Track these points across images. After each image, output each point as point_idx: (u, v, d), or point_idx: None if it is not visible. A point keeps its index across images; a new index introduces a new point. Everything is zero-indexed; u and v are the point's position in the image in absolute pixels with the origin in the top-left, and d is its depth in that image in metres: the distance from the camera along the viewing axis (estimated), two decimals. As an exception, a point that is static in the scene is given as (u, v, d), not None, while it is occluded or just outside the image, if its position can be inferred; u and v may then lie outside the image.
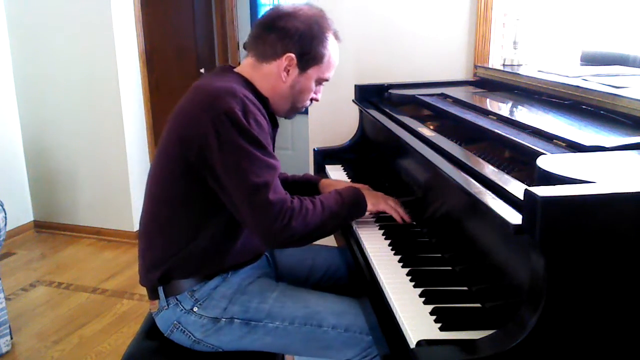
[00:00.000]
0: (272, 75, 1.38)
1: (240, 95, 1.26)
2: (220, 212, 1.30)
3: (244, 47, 1.43)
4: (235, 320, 1.33)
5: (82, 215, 3.64)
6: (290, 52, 1.35)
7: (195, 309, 1.34)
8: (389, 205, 1.47)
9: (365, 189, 1.50)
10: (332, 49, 1.40)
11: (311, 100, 1.46)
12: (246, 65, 1.41)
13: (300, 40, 1.34)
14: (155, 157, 1.38)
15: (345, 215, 1.39)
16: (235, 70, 1.42)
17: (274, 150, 1.49)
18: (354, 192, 1.43)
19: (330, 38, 1.39)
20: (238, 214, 1.27)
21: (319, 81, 1.44)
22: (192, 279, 1.35)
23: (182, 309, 1.34)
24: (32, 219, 3.77)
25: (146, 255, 1.39)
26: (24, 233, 3.69)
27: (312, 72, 1.39)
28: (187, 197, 1.32)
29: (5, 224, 2.22)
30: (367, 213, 1.46)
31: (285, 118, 1.50)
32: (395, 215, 1.47)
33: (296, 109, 1.46)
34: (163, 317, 1.37)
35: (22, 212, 3.67)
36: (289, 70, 1.37)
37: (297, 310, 1.33)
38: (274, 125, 1.45)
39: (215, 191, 1.27)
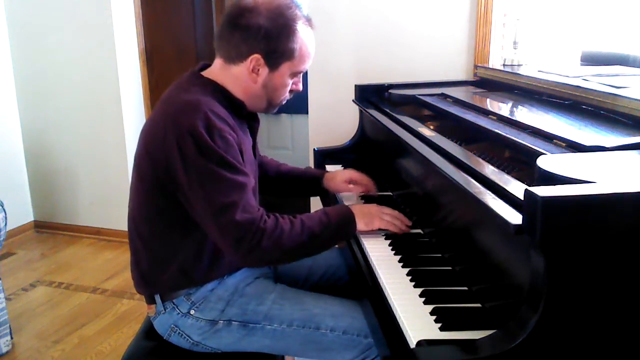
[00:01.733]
0: (241, 76, 1.31)
1: (205, 109, 1.20)
2: (198, 226, 1.27)
3: (214, 45, 1.35)
4: (233, 322, 1.32)
5: (82, 215, 3.64)
6: (256, 52, 1.27)
7: (192, 312, 1.33)
8: (385, 221, 1.38)
9: (361, 206, 1.42)
10: (303, 40, 1.30)
11: (291, 91, 1.38)
12: (216, 67, 1.34)
13: (266, 38, 1.25)
14: (132, 173, 1.34)
15: (329, 236, 1.31)
16: (206, 74, 1.35)
17: (255, 150, 1.46)
18: (343, 213, 1.35)
19: (299, 29, 1.28)
20: (208, 233, 1.25)
21: (295, 74, 1.35)
22: (187, 287, 1.34)
23: (179, 313, 1.34)
24: (32, 219, 3.77)
25: (135, 269, 1.38)
26: (24, 233, 3.69)
27: (284, 68, 1.31)
28: (164, 213, 1.29)
29: (5, 224, 2.22)
30: (359, 231, 1.37)
31: (266, 113, 1.43)
32: (393, 229, 1.38)
33: (275, 104, 1.39)
34: (160, 321, 1.36)
35: (22, 212, 3.67)
36: (258, 70, 1.29)
37: (295, 313, 1.32)
38: (253, 122, 1.41)
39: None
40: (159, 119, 1.26)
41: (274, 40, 1.27)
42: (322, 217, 1.30)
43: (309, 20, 1.33)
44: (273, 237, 1.21)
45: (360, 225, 1.36)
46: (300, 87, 1.40)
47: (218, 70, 1.34)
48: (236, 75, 1.31)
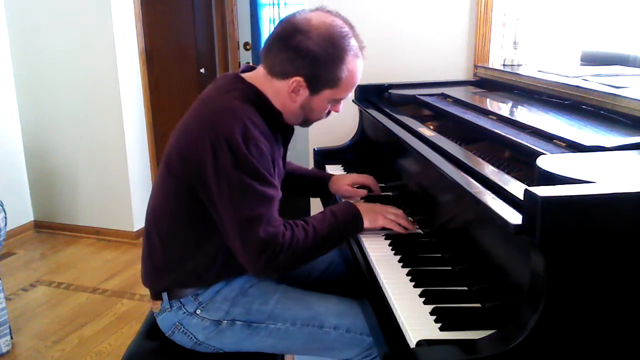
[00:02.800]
0: (282, 92, 1.29)
1: (243, 117, 1.20)
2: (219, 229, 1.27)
3: (260, 53, 1.34)
4: (237, 322, 1.33)
5: (82, 215, 3.64)
6: (300, 75, 1.25)
7: (198, 311, 1.34)
8: (388, 220, 1.40)
9: (366, 204, 1.45)
10: (350, 70, 1.28)
11: (328, 112, 1.38)
12: (260, 74, 1.32)
13: (312, 64, 1.24)
14: (160, 168, 1.35)
15: (338, 236, 1.34)
16: (248, 77, 1.33)
17: (285, 157, 1.47)
18: (349, 211, 1.37)
19: (348, 59, 1.27)
20: (228, 241, 1.25)
21: (335, 100, 1.35)
22: (195, 287, 1.34)
23: (184, 312, 1.34)
24: (32, 219, 3.76)
25: (148, 264, 1.38)
26: (24, 233, 3.69)
27: (325, 94, 1.30)
28: (188, 213, 1.29)
29: (5, 224, 2.22)
30: (366, 228, 1.39)
31: (301, 126, 1.44)
32: (396, 229, 1.40)
33: (310, 122, 1.40)
34: (165, 318, 1.37)
35: (22, 212, 3.67)
36: (298, 91, 1.28)
37: (299, 312, 1.33)
38: (288, 133, 1.41)
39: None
40: (196, 120, 1.26)
41: (319, 67, 1.25)
42: (331, 219, 1.32)
43: (361, 49, 1.32)
44: (290, 249, 1.22)
45: (365, 223, 1.38)
46: (340, 109, 1.39)
47: (262, 78, 1.31)
48: (277, 89, 1.30)
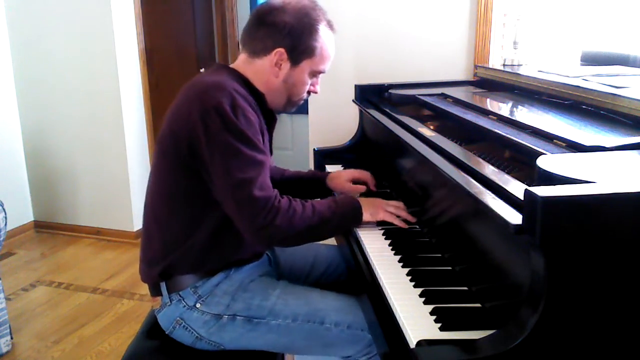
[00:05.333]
0: (264, 70, 1.38)
1: (229, 89, 1.26)
2: (217, 206, 1.30)
3: (239, 43, 1.43)
4: (238, 317, 1.33)
5: (82, 215, 3.64)
6: (280, 46, 1.34)
7: (198, 305, 1.34)
8: (388, 213, 1.43)
9: (366, 198, 1.48)
10: (324, 40, 1.38)
11: (309, 92, 1.46)
12: (240, 61, 1.42)
13: (290, 34, 1.34)
14: (154, 153, 1.39)
15: (337, 223, 1.36)
16: (231, 66, 1.42)
17: (271, 146, 1.49)
18: (350, 202, 1.41)
19: (321, 29, 1.38)
20: (226, 208, 1.28)
21: (314, 74, 1.42)
22: (194, 274, 1.35)
23: (185, 305, 1.34)
24: (32, 219, 3.77)
25: (146, 251, 1.40)
26: (24, 233, 3.69)
27: (305, 65, 1.38)
28: (184, 191, 1.32)
29: (5, 224, 2.22)
30: (365, 221, 1.42)
31: (285, 112, 1.50)
32: (396, 222, 1.43)
33: (293, 102, 1.45)
34: (166, 313, 1.37)
35: (22, 212, 3.67)
36: (280, 65, 1.36)
37: (300, 308, 1.33)
38: (271, 120, 1.44)
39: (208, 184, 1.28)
40: (184, 100, 1.30)
41: (297, 37, 1.35)
42: (332, 204, 1.36)
43: (330, 24, 1.42)
44: (287, 216, 1.25)
45: (366, 216, 1.41)
46: (318, 89, 1.47)
47: (242, 64, 1.41)
48: (260, 69, 1.38)
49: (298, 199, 1.33)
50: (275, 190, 1.29)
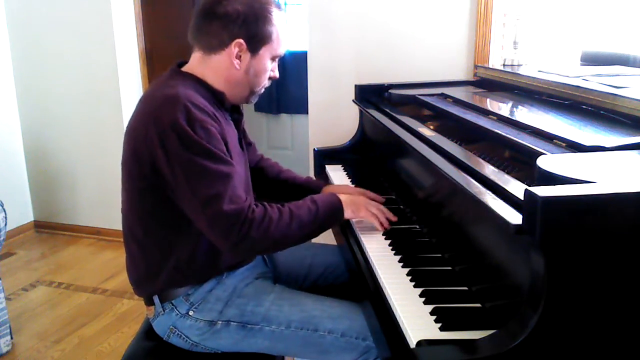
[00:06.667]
0: (224, 65, 1.32)
1: (184, 101, 1.21)
2: (192, 222, 1.26)
3: (189, 40, 1.36)
4: (232, 323, 1.32)
5: (82, 215, 3.64)
6: (238, 37, 1.29)
7: (190, 312, 1.33)
8: (369, 212, 1.41)
9: (348, 195, 1.44)
10: (278, 23, 1.34)
11: (270, 78, 1.41)
12: (194, 61, 1.36)
13: (245, 23, 1.29)
14: (122, 176, 1.34)
15: (319, 224, 1.32)
16: (185, 69, 1.36)
17: (243, 142, 1.46)
18: (330, 202, 1.37)
19: (274, 12, 1.33)
20: (198, 225, 1.24)
21: (273, 58, 1.38)
22: (185, 284, 1.34)
23: (177, 314, 1.33)
24: (32, 219, 3.76)
25: (132, 272, 1.38)
26: (24, 233, 3.69)
27: (264, 52, 1.34)
28: (156, 211, 1.29)
29: (5, 224, 2.22)
30: (346, 219, 1.41)
31: (247, 103, 1.45)
32: (375, 223, 1.41)
33: (256, 92, 1.41)
34: (159, 322, 1.36)
35: (22, 212, 3.67)
36: (240, 57, 1.32)
37: (294, 314, 1.32)
38: (237, 114, 1.42)
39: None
40: (140, 118, 1.26)
41: (253, 25, 1.30)
42: (311, 205, 1.32)
43: (278, 4, 1.37)
44: (262, 226, 1.22)
45: (348, 213, 1.39)
46: (277, 74, 1.42)
47: (197, 64, 1.35)
48: (217, 65, 1.33)
49: (275, 205, 1.28)
50: (249, 198, 1.25)
